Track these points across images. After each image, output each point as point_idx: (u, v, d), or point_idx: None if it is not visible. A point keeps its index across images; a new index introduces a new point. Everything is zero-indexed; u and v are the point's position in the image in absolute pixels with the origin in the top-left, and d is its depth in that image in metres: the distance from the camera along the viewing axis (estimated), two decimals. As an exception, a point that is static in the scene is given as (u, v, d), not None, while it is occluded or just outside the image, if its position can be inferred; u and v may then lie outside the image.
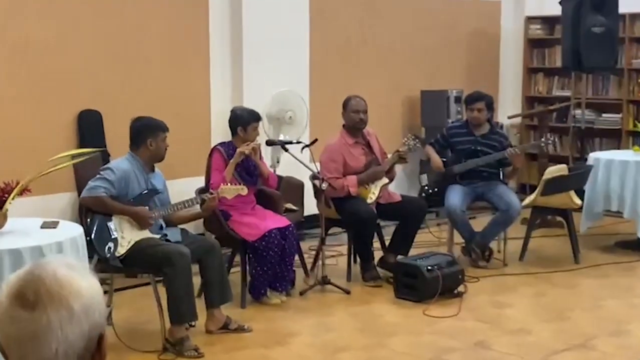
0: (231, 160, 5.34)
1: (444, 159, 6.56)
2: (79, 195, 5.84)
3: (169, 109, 6.23)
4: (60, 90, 6.08)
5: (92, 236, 4.53)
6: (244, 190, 5.10)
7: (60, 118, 6.09)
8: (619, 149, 8.63)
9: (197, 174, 6.50)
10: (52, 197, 5.89)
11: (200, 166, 6.61)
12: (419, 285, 5.47)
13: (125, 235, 4.65)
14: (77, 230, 4.10)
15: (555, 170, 6.53)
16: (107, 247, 4.57)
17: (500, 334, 4.91)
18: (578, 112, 8.52)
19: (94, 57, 6.23)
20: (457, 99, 8.27)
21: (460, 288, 5.64)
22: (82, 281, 1.43)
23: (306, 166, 5.73)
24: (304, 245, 6.37)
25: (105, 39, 6.28)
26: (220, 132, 6.79)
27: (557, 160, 8.47)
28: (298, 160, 5.74)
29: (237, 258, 5.72)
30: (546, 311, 5.34)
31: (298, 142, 5.91)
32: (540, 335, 4.88)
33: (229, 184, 5.09)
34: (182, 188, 5.83)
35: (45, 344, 1.37)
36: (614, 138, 8.85)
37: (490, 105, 6.51)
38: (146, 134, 4.78)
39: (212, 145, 6.69)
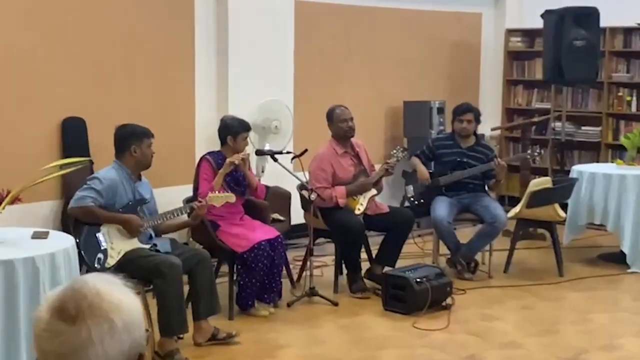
0: (220, 170, 5.26)
1: (430, 171, 6.54)
2: (65, 203, 5.77)
3: (153, 116, 6.14)
4: (44, 97, 5.96)
5: (81, 247, 4.43)
6: (232, 198, 5.03)
7: (43, 125, 5.97)
8: (598, 161, 8.66)
9: (181, 183, 6.43)
10: (36, 206, 5.76)
11: (184, 175, 6.54)
12: (408, 298, 5.42)
13: (114, 246, 4.56)
14: (69, 241, 4.01)
15: (540, 183, 6.54)
16: (96, 259, 4.48)
17: (491, 348, 4.88)
18: (558, 124, 8.55)
19: (79, 64, 6.12)
20: (440, 110, 8.27)
21: (448, 300, 5.60)
22: (123, 297, 1.42)
23: (296, 177, 5.67)
24: (289, 255, 6.29)
25: (90, 46, 6.18)
26: (204, 141, 6.73)
27: (536, 172, 8.51)
28: (288, 171, 5.68)
29: (223, 269, 5.66)
30: (535, 324, 5.32)
31: (288, 153, 5.84)
32: (531, 349, 4.86)
33: (216, 192, 5.02)
34: (167, 197, 5.74)
35: (85, 359, 1.34)
36: (593, 151, 8.88)
37: (478, 118, 6.51)
38: (130, 141, 4.71)
39: (197, 154, 6.65)
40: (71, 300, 1.37)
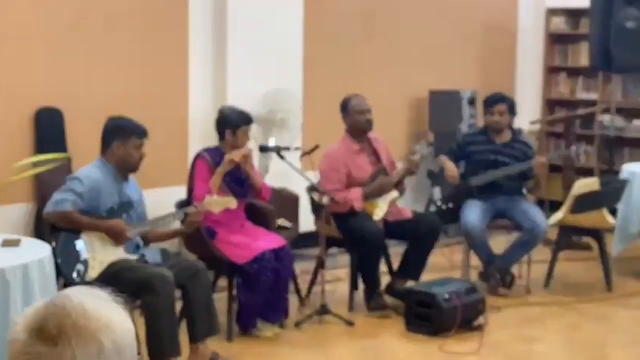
0: (218, 169, 5.21)
1: (460, 171, 6.48)
2: (40, 206, 5.74)
3: (140, 107, 6.10)
4: (15, 84, 5.93)
5: (58, 257, 4.38)
6: (233, 203, 4.98)
7: (14, 117, 5.94)
8: (653, 160, 8.61)
9: (172, 184, 6.40)
10: (6, 209, 5.74)
11: (176, 175, 6.51)
12: (435, 317, 5.36)
13: (97, 257, 4.52)
14: (45, 250, 3.97)
15: (586, 185, 6.47)
16: (76, 270, 4.44)
17: (531, 375, 4.83)
18: (606, 118, 8.49)
19: (55, 47, 6.09)
20: (471, 101, 8.22)
21: (481, 320, 5.54)
22: (113, 315, 1.39)
23: (305, 177, 5.62)
24: (297, 268, 6.24)
25: (67, 26, 6.14)
26: (199, 136, 6.70)
27: (581, 172, 8.44)
28: (297, 170, 5.63)
29: (221, 283, 5.61)
30: (582, 348, 5.26)
31: (297, 149, 5.79)
32: (578, 376, 4.81)
33: (215, 196, 4.98)
34: (156, 200, 5.70)
35: None
36: (647, 148, 8.82)
37: (513, 109, 6.44)
38: (114, 137, 4.67)
39: (191, 150, 6.62)
40: (53, 319, 1.35)
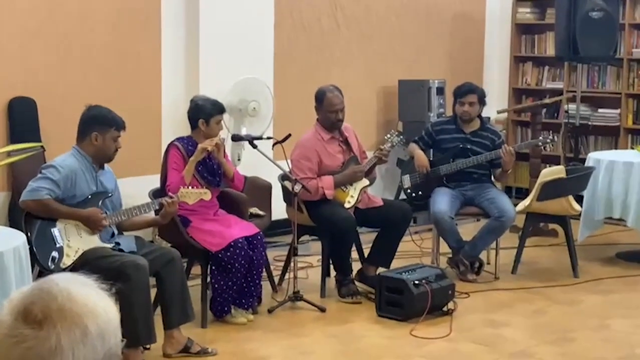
0: (191, 158, 5.22)
1: (429, 159, 6.53)
2: (13, 194, 5.71)
3: (113, 96, 6.08)
4: (-11, 74, 5.89)
5: (33, 245, 4.38)
6: (207, 194, 5.00)
7: (-13, 106, 5.90)
8: (616, 148, 8.72)
9: (145, 173, 6.39)
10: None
11: (149, 164, 6.51)
12: (405, 302, 5.41)
13: (71, 244, 4.52)
14: (20, 238, 3.96)
15: (552, 173, 6.54)
16: (50, 258, 4.44)
17: (499, 358, 4.89)
18: (572, 106, 8.56)
19: (27, 36, 6.05)
20: (439, 90, 8.26)
21: (450, 305, 5.60)
22: (98, 301, 1.40)
23: (278, 166, 5.64)
24: (269, 255, 6.27)
25: (40, 15, 6.10)
26: (172, 125, 6.69)
27: (547, 160, 8.53)
28: (268, 158, 5.65)
29: (195, 270, 5.63)
30: (548, 331, 5.33)
31: (269, 138, 5.81)
32: (544, 359, 4.86)
33: (189, 187, 4.99)
34: (129, 189, 5.69)
35: None
36: (611, 136, 8.92)
37: (483, 99, 6.50)
38: (93, 126, 4.66)
39: (163, 139, 6.61)
40: (38, 302, 1.35)
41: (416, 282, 5.42)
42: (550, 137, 6.70)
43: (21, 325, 1.35)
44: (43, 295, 1.37)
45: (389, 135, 6.07)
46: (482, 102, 6.49)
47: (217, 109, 5.43)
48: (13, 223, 5.47)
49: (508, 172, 6.48)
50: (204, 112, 5.38)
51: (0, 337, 1.37)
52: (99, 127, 4.65)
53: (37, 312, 1.35)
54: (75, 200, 4.57)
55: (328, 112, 5.90)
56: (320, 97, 5.95)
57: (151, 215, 4.96)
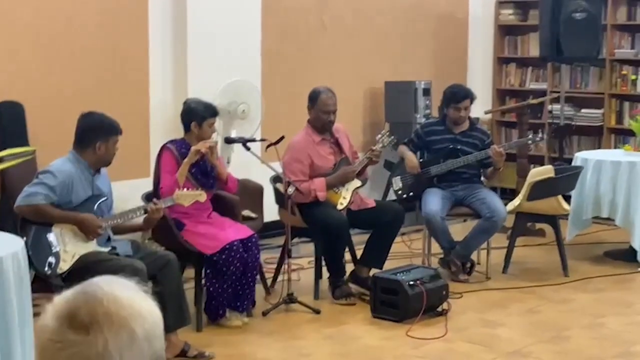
0: (185, 160, 5.17)
1: (420, 160, 6.51)
2: (4, 198, 5.63)
3: (102, 99, 6.04)
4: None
5: (29, 250, 4.30)
6: (202, 196, 4.96)
7: (-25, 111, 5.82)
8: (600, 147, 8.75)
9: (135, 177, 6.34)
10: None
11: (137, 167, 6.46)
12: (401, 303, 5.39)
13: (68, 249, 4.46)
14: (18, 243, 3.89)
15: (541, 172, 6.55)
16: (47, 263, 4.38)
17: (496, 357, 4.87)
18: (556, 107, 8.59)
19: (14, 39, 5.97)
20: (425, 91, 8.25)
21: (444, 305, 5.58)
22: (143, 304, 1.37)
23: (271, 168, 5.60)
24: (261, 257, 6.23)
25: (27, 18, 6.03)
26: (160, 128, 6.65)
27: (533, 160, 8.55)
28: (262, 161, 5.61)
29: (188, 273, 5.57)
30: (542, 330, 5.32)
31: (262, 140, 5.77)
32: (541, 358, 4.86)
33: (184, 189, 4.94)
34: (119, 193, 5.61)
35: None
36: (594, 136, 8.96)
37: (473, 101, 6.51)
38: (96, 136, 4.61)
39: (152, 143, 6.56)
40: (84, 307, 1.32)
41: (411, 282, 5.40)
42: (540, 135, 6.68)
43: (67, 330, 1.31)
44: (88, 299, 1.34)
45: (380, 136, 6.05)
46: (472, 103, 6.50)
47: (210, 111, 5.38)
48: (3, 227, 5.38)
49: (499, 171, 6.47)
50: (196, 115, 5.33)
51: (45, 343, 1.33)
52: (102, 136, 4.61)
53: (83, 316, 1.32)
54: (72, 206, 4.51)
55: (321, 112, 5.87)
56: (315, 97, 5.91)
57: (137, 220, 4.89)
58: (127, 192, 5.70)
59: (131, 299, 1.36)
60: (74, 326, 1.31)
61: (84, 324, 1.31)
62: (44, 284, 4.40)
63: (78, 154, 4.61)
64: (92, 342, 1.30)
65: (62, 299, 1.36)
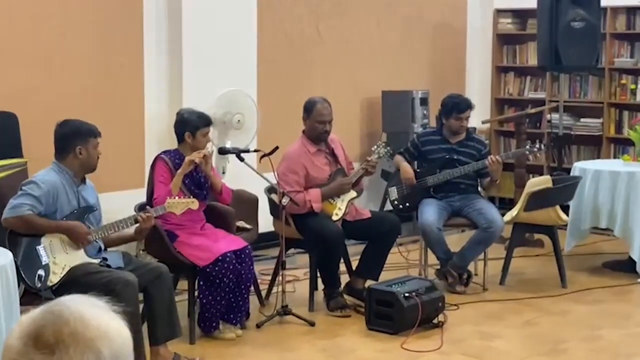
0: (178, 171, 5.15)
1: (415, 170, 6.49)
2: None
3: (96, 110, 6.03)
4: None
5: (19, 264, 4.27)
6: (194, 203, 4.93)
7: (-32, 121, 5.80)
8: (599, 157, 8.72)
9: (129, 187, 6.32)
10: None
11: (132, 178, 6.44)
12: (395, 315, 5.36)
13: (58, 261, 4.43)
14: (6, 256, 3.87)
15: (539, 182, 6.53)
16: (37, 276, 4.35)
17: (492, 370, 4.84)
18: (554, 116, 8.56)
19: (8, 50, 5.96)
20: (423, 101, 8.24)
21: (440, 317, 5.55)
22: (111, 324, 1.35)
23: (265, 179, 5.57)
24: (255, 269, 6.20)
25: (21, 28, 6.02)
26: (155, 139, 6.63)
27: (531, 170, 8.53)
28: (256, 172, 5.59)
29: (181, 284, 5.55)
30: (539, 343, 5.29)
31: (256, 151, 5.74)
32: (537, 370, 4.83)
33: (176, 197, 4.92)
34: (112, 204, 5.61)
35: None
36: (593, 145, 8.93)
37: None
38: (74, 141, 4.60)
39: (147, 154, 6.54)
40: (50, 326, 1.31)
41: (406, 294, 5.37)
42: (538, 145, 6.66)
43: (32, 350, 1.30)
44: (55, 319, 1.32)
45: (375, 147, 6.03)
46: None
47: (204, 121, 5.36)
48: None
49: (497, 182, 6.44)
50: (190, 125, 5.31)
51: None
52: (80, 140, 4.60)
53: (48, 336, 1.30)
54: (59, 216, 4.49)
55: (316, 122, 5.85)
56: (310, 108, 5.89)
57: (129, 231, 4.86)
58: (122, 203, 5.68)
59: (99, 319, 1.34)
60: (39, 346, 1.30)
61: (49, 344, 1.29)
62: (34, 297, 4.37)
63: (61, 163, 4.59)
64: None
65: (29, 318, 1.35)
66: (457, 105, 6.41)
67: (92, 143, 4.62)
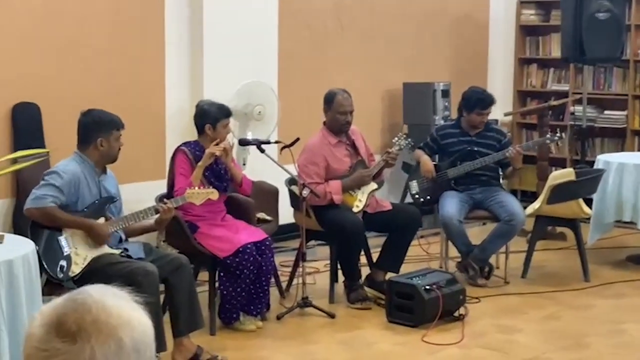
0: (199, 163, 5.17)
1: (436, 163, 6.48)
2: (18, 201, 5.66)
3: (117, 101, 6.03)
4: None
5: (41, 254, 4.31)
6: (214, 194, 4.94)
7: (-10, 112, 5.85)
8: (623, 150, 8.67)
9: (149, 178, 6.36)
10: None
11: (153, 169, 6.47)
12: (416, 308, 5.36)
13: (79, 252, 4.47)
14: (28, 246, 3.91)
15: (562, 175, 6.50)
16: (59, 266, 4.38)
17: (513, 364, 4.84)
18: (578, 108, 8.53)
19: (30, 41, 6.00)
20: (444, 93, 8.22)
21: (461, 310, 5.55)
22: (133, 313, 1.36)
23: (286, 170, 5.59)
24: (275, 261, 6.22)
25: (42, 20, 6.05)
26: (176, 130, 6.65)
27: (554, 163, 8.49)
28: (277, 163, 5.60)
29: (202, 276, 5.57)
30: (561, 337, 5.28)
31: (277, 142, 5.76)
32: (559, 365, 4.82)
33: (196, 188, 4.94)
34: (133, 195, 5.65)
35: None
36: (617, 138, 8.89)
37: None
38: (97, 132, 4.62)
39: (167, 145, 6.57)
40: (72, 314, 1.31)
41: (427, 287, 5.37)
42: (558, 134, 6.63)
43: (53, 339, 1.31)
44: (77, 307, 1.33)
45: (396, 139, 6.03)
46: None
47: (224, 112, 5.37)
48: (18, 230, 5.41)
49: (517, 172, 6.43)
50: (210, 117, 5.33)
51: (31, 351, 1.33)
52: (102, 132, 4.62)
53: (70, 324, 1.31)
54: (81, 207, 4.52)
55: (337, 113, 5.85)
56: (330, 99, 5.90)
57: (150, 221, 4.88)
58: (143, 194, 5.71)
59: (120, 307, 1.35)
60: (61, 334, 1.30)
61: (71, 332, 1.30)
62: (57, 287, 4.41)
63: (83, 153, 4.62)
64: (78, 351, 1.29)
65: (51, 306, 1.36)
66: (481, 102, 6.39)
67: (114, 135, 4.64)
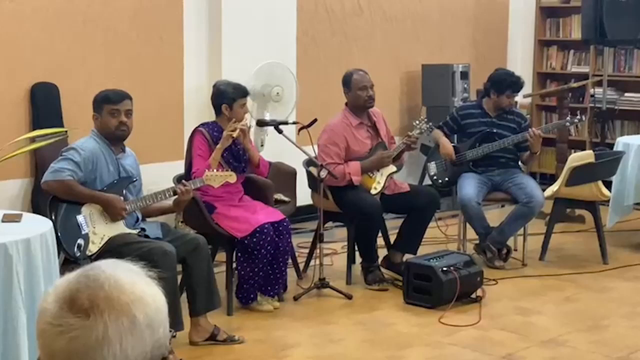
0: (217, 146, 5.14)
1: (455, 145, 6.44)
2: (36, 181, 5.68)
3: (135, 82, 6.06)
4: (10, 60, 5.84)
5: (59, 232, 4.32)
6: (232, 177, 4.93)
7: (9, 93, 5.86)
8: (643, 132, 8.61)
9: (167, 159, 6.36)
10: (2, 185, 5.68)
11: (171, 150, 6.47)
12: (433, 289, 5.34)
13: (97, 231, 4.47)
14: (46, 224, 3.91)
15: (581, 157, 6.45)
16: (76, 245, 4.39)
17: (530, 346, 4.81)
18: (598, 90, 8.46)
19: (49, 22, 6.00)
20: (463, 75, 8.17)
21: (478, 292, 5.53)
22: (146, 289, 1.35)
23: (303, 151, 5.56)
24: (293, 242, 6.21)
25: (63, 2, 6.04)
26: (194, 111, 6.65)
27: (573, 145, 8.44)
28: (294, 144, 5.58)
29: (219, 256, 5.57)
30: (579, 319, 5.25)
31: (295, 123, 5.73)
32: (577, 347, 4.78)
33: (214, 170, 4.92)
34: (151, 175, 5.64)
35: (100, 359, 1.27)
36: (638, 120, 8.81)
37: None
38: (94, 109, 4.67)
39: (186, 126, 6.56)
40: (85, 290, 1.31)
41: (444, 268, 5.35)
42: (578, 117, 6.57)
43: (67, 314, 1.30)
44: (90, 283, 1.32)
45: (417, 122, 5.99)
46: None
47: (240, 92, 5.34)
48: (37, 209, 5.44)
49: (536, 154, 6.38)
50: (226, 97, 5.31)
51: (44, 326, 1.32)
52: (95, 108, 4.65)
53: (83, 300, 1.30)
54: (99, 185, 4.52)
55: (358, 90, 5.82)
56: (348, 80, 5.87)
57: (168, 202, 4.87)
58: (161, 175, 5.71)
59: (134, 283, 1.34)
60: (74, 310, 1.30)
61: (84, 308, 1.29)
62: (74, 265, 4.42)
63: (97, 130, 4.63)
64: (91, 327, 1.29)
65: (64, 282, 1.35)
66: (514, 84, 6.34)
67: (106, 109, 4.60)
